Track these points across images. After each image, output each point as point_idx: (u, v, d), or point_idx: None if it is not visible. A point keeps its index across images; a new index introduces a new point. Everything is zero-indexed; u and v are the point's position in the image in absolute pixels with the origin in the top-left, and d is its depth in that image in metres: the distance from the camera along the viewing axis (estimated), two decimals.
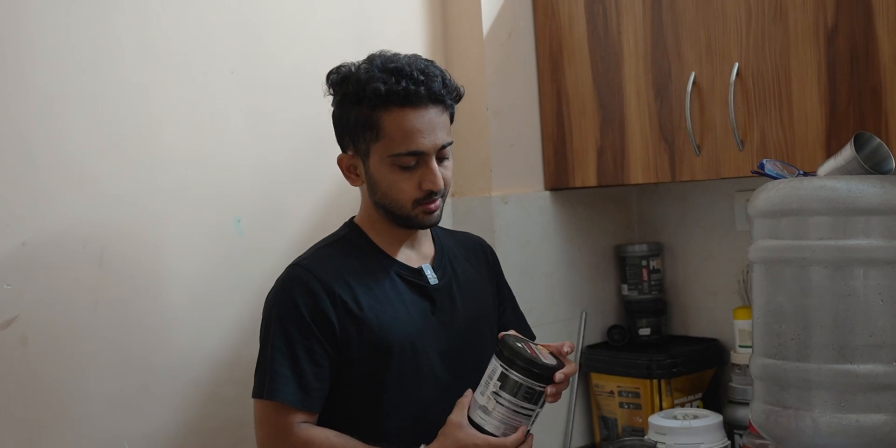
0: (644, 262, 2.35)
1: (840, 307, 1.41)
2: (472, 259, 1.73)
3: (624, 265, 2.37)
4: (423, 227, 1.60)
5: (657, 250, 2.37)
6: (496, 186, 2.19)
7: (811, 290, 1.43)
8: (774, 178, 1.53)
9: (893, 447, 1.42)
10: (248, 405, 1.89)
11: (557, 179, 2.24)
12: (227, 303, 1.89)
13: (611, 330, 2.35)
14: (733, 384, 2.09)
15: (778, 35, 1.77)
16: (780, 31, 1.77)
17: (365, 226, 1.62)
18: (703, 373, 2.22)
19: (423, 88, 1.48)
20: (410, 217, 1.55)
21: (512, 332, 1.53)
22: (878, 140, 1.49)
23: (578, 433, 2.29)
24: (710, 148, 1.91)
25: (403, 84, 1.47)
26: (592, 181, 2.16)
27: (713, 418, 1.97)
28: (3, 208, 1.62)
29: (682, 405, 2.16)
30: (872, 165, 1.46)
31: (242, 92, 1.92)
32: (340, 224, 2.05)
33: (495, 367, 1.46)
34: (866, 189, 1.40)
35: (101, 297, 1.73)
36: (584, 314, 2.31)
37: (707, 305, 2.33)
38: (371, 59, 1.54)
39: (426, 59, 1.55)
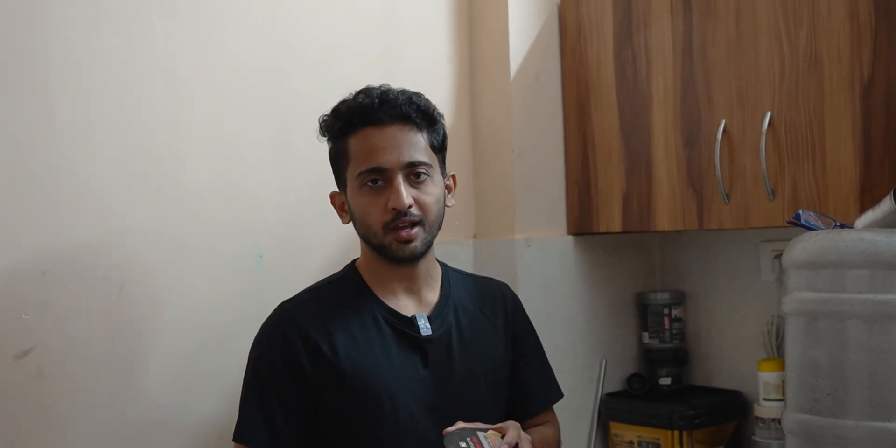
0: (666, 311, 2.31)
1: (878, 363, 1.37)
2: (486, 309, 1.64)
3: (645, 313, 2.34)
4: (402, 261, 1.50)
5: (680, 299, 2.34)
6: (519, 229, 2.17)
7: (848, 344, 1.40)
8: (810, 229, 1.51)
9: None
10: None
11: (581, 224, 2.22)
12: (246, 340, 1.85)
13: (630, 378, 2.30)
14: (756, 438, 2.05)
15: (812, 85, 1.76)
16: (815, 81, 1.76)
17: (362, 269, 1.58)
18: (725, 425, 2.18)
19: (381, 104, 1.48)
20: (384, 246, 1.48)
21: (457, 425, 1.42)
22: None
23: None
24: (739, 197, 1.89)
25: (361, 99, 1.50)
26: (617, 227, 2.14)
27: None
28: (25, 237, 1.60)
29: None
30: None
31: (268, 128, 1.92)
32: None
33: None
34: None
35: (119, 330, 1.70)
36: (603, 361, 2.27)
37: (730, 356, 2.29)
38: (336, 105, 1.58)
39: (399, 88, 1.55)
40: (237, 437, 1.49)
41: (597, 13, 2.17)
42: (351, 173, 1.50)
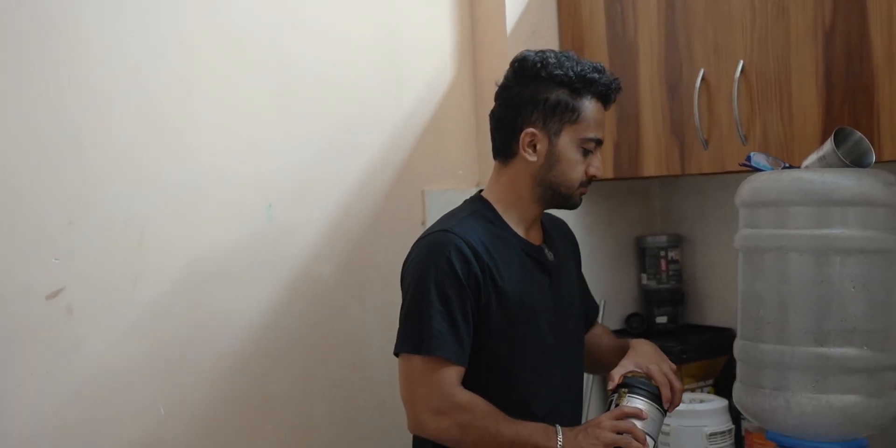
0: (663, 253, 2.43)
1: (814, 293, 1.49)
2: (563, 239, 1.86)
3: (644, 256, 2.46)
4: (573, 208, 1.73)
5: (676, 242, 2.45)
6: None
7: (788, 276, 1.52)
8: (759, 170, 1.61)
9: (863, 427, 1.49)
10: (273, 379, 2.05)
11: None
12: (257, 282, 2.04)
13: (629, 318, 2.43)
14: None
15: (780, 34, 1.84)
16: (782, 29, 1.83)
17: (498, 202, 1.71)
18: (716, 360, 2.29)
19: (617, 88, 1.69)
20: (571, 196, 1.69)
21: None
22: (859, 134, 1.56)
23: (594, 415, 2.38)
24: (716, 142, 1.98)
25: (610, 82, 1.67)
26: (609, 174, 2.25)
27: (718, 403, 2.04)
28: (53, 190, 1.79)
29: (693, 390, 2.24)
30: (854, 159, 1.53)
31: (274, 87, 2.07)
32: (366, 210, 2.21)
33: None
34: (841, 181, 1.48)
35: (141, 273, 1.89)
36: (603, 302, 2.39)
37: (723, 295, 2.40)
38: (559, 52, 1.68)
39: None
40: (430, 351, 1.55)
41: None
42: (574, 131, 1.65)
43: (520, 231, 1.71)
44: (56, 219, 1.80)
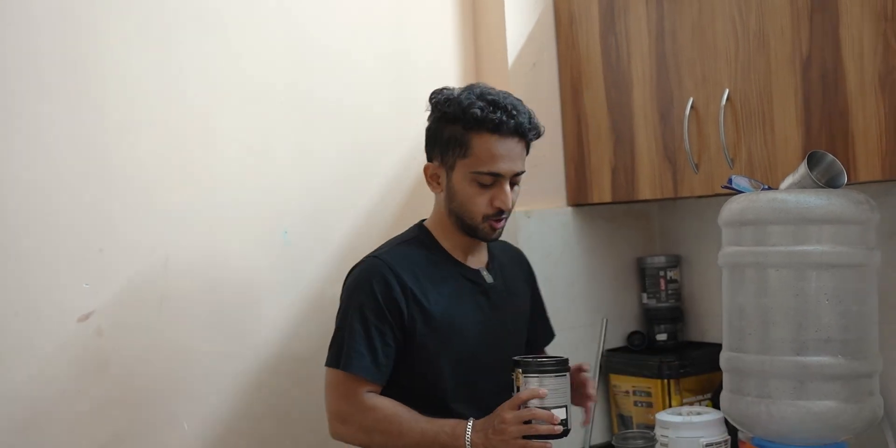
0: (662, 273, 2.53)
1: (792, 306, 1.60)
2: (514, 266, 1.99)
3: (643, 275, 2.56)
4: (485, 241, 1.83)
5: (675, 262, 2.55)
6: (521, 203, 2.40)
7: (767, 290, 1.62)
8: (740, 192, 1.72)
9: (840, 431, 1.59)
10: (291, 395, 2.17)
11: (578, 196, 2.46)
12: (275, 303, 2.16)
13: (631, 335, 2.53)
14: None
15: (761, 63, 1.96)
16: (764, 59, 1.95)
17: (434, 230, 1.86)
18: (714, 375, 2.38)
19: (511, 121, 1.73)
20: (477, 228, 1.79)
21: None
22: (832, 157, 1.66)
23: (598, 430, 2.47)
24: (706, 166, 2.09)
25: (497, 114, 1.72)
26: (608, 197, 2.37)
27: (714, 415, 2.13)
28: (84, 220, 1.92)
29: (691, 404, 2.33)
30: (828, 180, 1.64)
31: (290, 120, 2.20)
32: (377, 236, 2.32)
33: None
34: (813, 201, 1.59)
35: (166, 297, 2.01)
36: (604, 320, 2.50)
37: (720, 313, 2.46)
38: (471, 88, 1.79)
39: (516, 98, 1.79)
40: (346, 368, 1.71)
41: (585, 2, 2.39)
42: (465, 166, 1.75)
43: (457, 255, 1.83)
44: (87, 247, 1.92)
